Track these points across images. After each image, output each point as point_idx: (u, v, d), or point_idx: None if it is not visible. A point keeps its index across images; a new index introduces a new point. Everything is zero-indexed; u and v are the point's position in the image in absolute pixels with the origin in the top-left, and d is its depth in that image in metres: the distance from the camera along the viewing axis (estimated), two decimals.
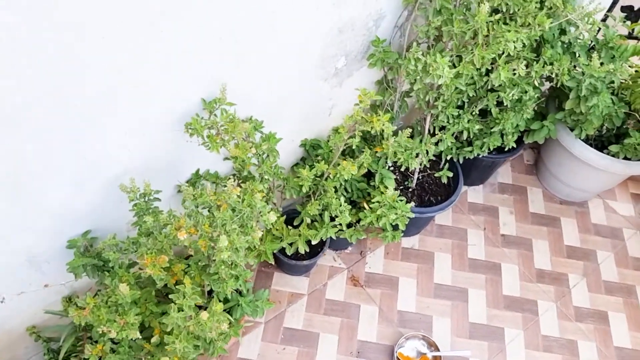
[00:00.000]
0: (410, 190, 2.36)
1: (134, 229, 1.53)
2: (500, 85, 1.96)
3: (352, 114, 1.65)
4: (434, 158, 2.26)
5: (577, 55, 2.12)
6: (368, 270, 2.40)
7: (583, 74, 1.98)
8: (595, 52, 2.15)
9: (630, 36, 2.21)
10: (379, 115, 1.65)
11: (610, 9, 2.44)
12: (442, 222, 2.58)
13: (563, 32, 2.11)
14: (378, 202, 1.91)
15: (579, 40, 2.10)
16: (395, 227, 1.98)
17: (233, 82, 1.54)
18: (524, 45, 1.82)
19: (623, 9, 2.45)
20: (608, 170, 2.35)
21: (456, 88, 1.93)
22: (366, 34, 1.81)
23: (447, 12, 1.68)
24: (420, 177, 2.33)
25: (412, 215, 1.94)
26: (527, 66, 1.96)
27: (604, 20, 2.26)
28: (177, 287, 1.40)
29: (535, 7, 1.58)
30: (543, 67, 1.95)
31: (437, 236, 2.54)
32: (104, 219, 1.59)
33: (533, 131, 2.33)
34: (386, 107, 1.99)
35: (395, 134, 1.83)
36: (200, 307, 1.46)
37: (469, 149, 2.21)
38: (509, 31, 1.54)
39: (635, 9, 2.44)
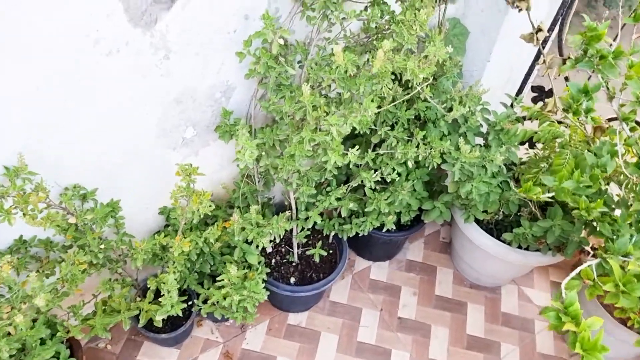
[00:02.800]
0: (293, 264, 2.23)
1: None
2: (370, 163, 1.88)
3: (175, 189, 1.56)
4: (309, 232, 2.15)
5: (466, 136, 2.02)
6: (245, 347, 2.25)
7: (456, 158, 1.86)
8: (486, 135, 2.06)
9: (527, 119, 2.09)
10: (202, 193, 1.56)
11: (521, 89, 2.33)
12: (337, 298, 2.44)
13: (450, 110, 2.02)
14: (224, 280, 1.79)
15: (468, 122, 2.00)
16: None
17: (52, 150, 1.48)
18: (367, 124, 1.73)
19: (533, 88, 2.34)
20: (505, 259, 2.19)
21: (319, 167, 1.85)
22: (214, 105, 1.74)
23: (286, 89, 1.60)
24: (300, 252, 2.21)
25: (263, 298, 1.81)
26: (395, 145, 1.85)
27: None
28: None
29: (371, 91, 1.48)
30: (417, 147, 1.85)
31: (329, 314, 2.38)
32: None
33: (427, 211, 2.20)
34: (245, 179, 1.89)
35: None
36: None
37: (349, 226, 2.09)
38: (334, 114, 1.44)
39: (547, 89, 2.32)
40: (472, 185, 1.88)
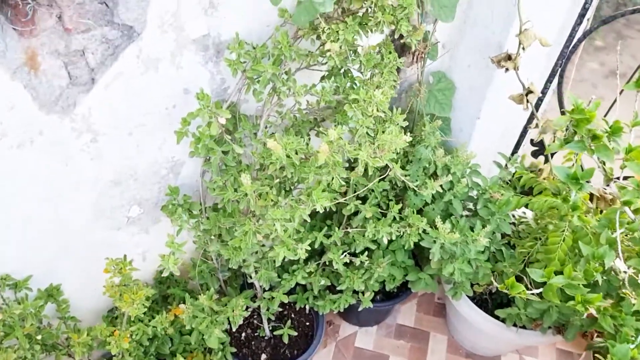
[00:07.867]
0: (265, 339, 2.04)
1: None
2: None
3: (106, 286, 1.39)
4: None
5: (452, 204, 1.81)
6: None
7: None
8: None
9: (523, 191, 1.85)
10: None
11: (518, 144, 2.10)
12: None
13: (435, 177, 1.81)
14: None
15: (454, 188, 1.78)
16: None
17: None
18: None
19: (534, 142, 2.11)
20: (499, 337, 1.96)
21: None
22: (161, 182, 1.57)
23: (232, 170, 1.42)
24: (271, 327, 2.01)
25: None
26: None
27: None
28: None
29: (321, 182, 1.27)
30: (390, 225, 1.65)
31: None
32: None
33: (412, 281, 1.98)
34: (201, 258, 1.72)
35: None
36: None
37: (322, 302, 1.89)
38: (279, 207, 1.25)
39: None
40: (455, 267, 1.66)
